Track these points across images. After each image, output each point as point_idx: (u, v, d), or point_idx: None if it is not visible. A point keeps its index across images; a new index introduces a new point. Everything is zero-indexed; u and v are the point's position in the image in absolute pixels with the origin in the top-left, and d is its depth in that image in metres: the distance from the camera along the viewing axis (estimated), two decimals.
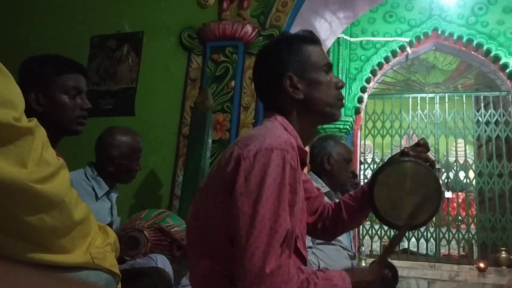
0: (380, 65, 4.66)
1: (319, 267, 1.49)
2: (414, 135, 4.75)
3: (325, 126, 4.31)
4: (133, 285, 1.15)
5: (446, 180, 4.81)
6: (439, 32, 4.56)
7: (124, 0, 2.60)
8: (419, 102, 4.74)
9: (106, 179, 1.58)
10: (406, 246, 4.37)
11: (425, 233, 4.39)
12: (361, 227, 4.54)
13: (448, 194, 4.93)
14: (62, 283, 0.19)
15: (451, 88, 5.45)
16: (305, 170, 1.83)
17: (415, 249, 4.36)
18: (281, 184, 0.71)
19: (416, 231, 4.38)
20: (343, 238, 1.69)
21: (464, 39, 4.44)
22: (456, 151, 4.59)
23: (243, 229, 0.69)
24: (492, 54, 4.33)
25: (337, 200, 1.08)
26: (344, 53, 4.58)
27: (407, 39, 4.59)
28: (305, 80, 0.87)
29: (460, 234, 4.36)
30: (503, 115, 4.43)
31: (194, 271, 0.81)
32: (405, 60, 4.86)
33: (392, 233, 4.44)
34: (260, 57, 0.94)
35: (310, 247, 1.52)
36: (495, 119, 4.46)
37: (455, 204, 4.68)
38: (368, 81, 4.64)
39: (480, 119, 4.54)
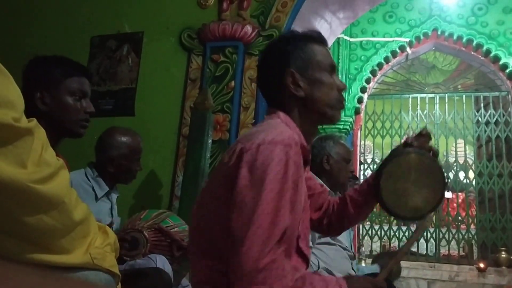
0: (380, 66, 4.67)
1: (318, 267, 1.50)
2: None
3: (325, 126, 4.32)
4: (132, 285, 1.15)
5: (446, 181, 4.80)
6: (439, 33, 4.56)
7: (124, 0, 2.60)
8: (419, 102, 4.75)
9: (106, 179, 1.57)
10: None
11: (425, 233, 4.38)
12: (361, 227, 4.54)
13: (448, 195, 4.93)
14: (63, 283, 0.19)
15: (451, 88, 5.45)
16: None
17: (415, 249, 4.35)
18: (282, 179, 0.71)
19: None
20: (343, 238, 1.69)
21: (464, 39, 4.45)
22: (456, 151, 4.59)
23: (241, 222, 0.69)
24: (492, 54, 4.33)
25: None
26: (344, 54, 4.58)
27: (407, 39, 4.59)
28: (307, 78, 0.87)
29: (460, 234, 4.36)
30: (503, 115, 4.44)
31: (195, 271, 0.81)
32: (405, 61, 4.86)
33: (392, 232, 4.44)
34: (265, 52, 0.94)
35: (310, 247, 1.52)
36: (495, 119, 4.46)
37: (455, 204, 4.68)
38: (368, 81, 4.64)
39: (480, 119, 4.54)
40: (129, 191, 2.12)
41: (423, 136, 0.93)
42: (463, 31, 4.45)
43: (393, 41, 4.62)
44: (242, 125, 2.18)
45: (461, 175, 4.64)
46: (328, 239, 1.61)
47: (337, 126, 4.34)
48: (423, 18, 4.62)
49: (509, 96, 4.42)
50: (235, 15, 2.36)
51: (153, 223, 1.43)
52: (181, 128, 2.28)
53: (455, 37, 4.49)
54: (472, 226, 4.41)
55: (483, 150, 4.48)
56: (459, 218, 4.43)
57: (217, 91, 2.24)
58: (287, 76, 0.86)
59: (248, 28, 2.27)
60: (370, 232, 4.53)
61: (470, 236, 4.37)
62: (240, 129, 2.18)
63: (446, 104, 4.68)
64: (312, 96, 0.86)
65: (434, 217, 4.48)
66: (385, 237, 4.44)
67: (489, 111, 4.50)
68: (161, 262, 1.34)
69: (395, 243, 4.44)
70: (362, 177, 4.64)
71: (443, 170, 0.91)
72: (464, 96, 4.74)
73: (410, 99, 4.79)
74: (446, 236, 4.33)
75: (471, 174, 4.60)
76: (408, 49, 4.63)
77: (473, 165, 4.60)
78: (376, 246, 4.56)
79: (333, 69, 0.90)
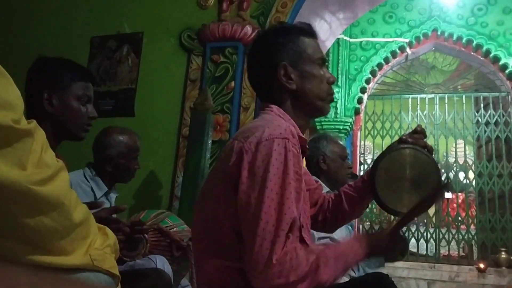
0: (379, 66, 4.67)
1: None
2: None
3: (324, 126, 4.32)
4: (132, 286, 1.15)
5: (446, 181, 4.81)
6: (439, 33, 4.56)
7: (124, 1, 2.60)
8: (418, 102, 4.75)
9: (105, 179, 1.58)
10: None
11: (425, 234, 4.39)
12: (360, 226, 4.55)
13: (448, 195, 4.93)
14: (63, 284, 0.19)
15: (451, 88, 5.45)
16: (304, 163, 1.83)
17: (414, 250, 4.35)
18: (284, 172, 0.72)
19: (416, 232, 4.39)
20: (343, 238, 1.69)
21: (464, 40, 4.45)
22: (455, 151, 4.59)
23: (250, 222, 0.71)
24: (491, 55, 4.33)
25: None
26: (344, 54, 4.58)
27: (407, 40, 4.59)
28: (299, 71, 0.88)
29: (460, 235, 4.36)
30: (503, 116, 4.44)
31: (202, 271, 0.81)
32: (405, 61, 4.86)
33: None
34: (256, 44, 0.95)
35: None
36: (494, 119, 4.46)
37: (455, 205, 4.68)
38: (367, 81, 4.64)
39: (479, 119, 4.54)
40: (128, 191, 2.12)
41: (418, 133, 0.94)
42: (463, 31, 4.45)
43: (393, 41, 4.62)
44: (242, 126, 2.18)
45: (461, 175, 4.65)
46: (328, 240, 1.61)
47: (337, 126, 4.35)
48: (423, 18, 4.62)
49: (509, 96, 4.42)
50: (235, 15, 2.36)
51: (152, 223, 1.43)
52: (181, 128, 2.28)
53: (455, 38, 4.50)
54: (472, 227, 4.41)
55: (483, 151, 4.48)
56: (459, 218, 4.43)
57: (217, 92, 2.24)
58: (280, 69, 0.87)
59: (248, 29, 2.27)
60: (369, 232, 4.53)
61: (470, 236, 4.37)
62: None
63: (446, 105, 4.68)
64: (303, 88, 0.88)
65: (434, 218, 4.48)
66: None
67: (489, 112, 4.50)
68: (161, 262, 1.34)
69: None
70: None
71: (438, 165, 0.91)
72: (464, 96, 4.74)
73: (410, 99, 4.79)
74: (446, 236, 4.33)
75: (471, 175, 4.60)
76: (408, 49, 4.64)
77: (473, 165, 4.60)
78: None
79: (323, 62, 0.92)
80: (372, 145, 5.10)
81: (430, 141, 4.79)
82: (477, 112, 4.60)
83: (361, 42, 4.69)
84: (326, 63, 0.97)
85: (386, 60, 4.66)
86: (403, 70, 5.26)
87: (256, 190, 0.71)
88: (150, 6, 2.53)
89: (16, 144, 0.54)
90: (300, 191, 0.76)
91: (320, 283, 0.72)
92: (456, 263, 4.09)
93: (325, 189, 1.67)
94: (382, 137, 4.71)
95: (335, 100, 4.41)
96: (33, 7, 2.74)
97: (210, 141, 2.03)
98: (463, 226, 4.42)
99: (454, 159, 4.58)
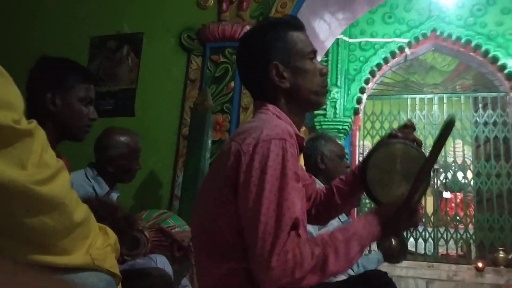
0: (379, 66, 4.68)
1: None
2: None
3: (323, 125, 4.33)
4: (132, 285, 1.16)
5: (444, 181, 4.83)
6: (438, 33, 4.57)
7: (124, 1, 2.60)
8: (417, 102, 4.76)
9: (106, 179, 1.58)
10: None
11: (423, 233, 4.40)
12: None
13: (446, 194, 4.94)
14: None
15: (450, 89, 5.46)
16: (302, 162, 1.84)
17: (413, 249, 4.37)
18: (282, 173, 0.72)
19: (414, 231, 4.40)
20: None
21: (463, 40, 4.46)
22: (454, 151, 4.61)
23: (250, 224, 0.71)
24: (490, 55, 4.34)
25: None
26: (343, 54, 4.59)
27: (406, 40, 4.60)
28: (291, 69, 0.87)
29: (458, 234, 4.37)
30: (501, 116, 4.45)
31: (206, 276, 0.80)
32: (404, 61, 4.87)
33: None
34: (244, 43, 0.93)
35: None
36: (493, 119, 4.47)
37: (453, 204, 4.70)
38: (367, 82, 4.65)
39: (478, 119, 4.56)
40: (129, 191, 2.12)
41: (408, 127, 0.95)
42: (462, 31, 4.46)
43: (392, 41, 4.63)
44: None
45: (460, 175, 4.66)
46: None
47: (336, 126, 4.36)
48: (422, 19, 4.63)
49: (508, 96, 4.44)
50: (235, 15, 2.37)
51: (154, 223, 1.44)
52: (181, 128, 2.28)
53: (454, 38, 4.51)
54: (470, 226, 4.42)
55: (481, 151, 4.49)
56: (458, 218, 4.44)
57: (216, 92, 2.24)
58: (271, 68, 0.86)
59: (248, 29, 2.28)
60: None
61: (468, 235, 4.39)
62: None
63: (445, 105, 4.69)
64: (297, 85, 0.87)
65: (432, 217, 4.50)
66: None
67: (488, 112, 4.51)
68: (162, 262, 1.35)
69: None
70: None
71: (428, 158, 0.91)
72: (462, 96, 4.75)
73: (408, 99, 4.80)
74: (445, 235, 4.34)
75: (469, 174, 4.62)
76: (407, 49, 4.65)
77: (471, 165, 4.61)
78: (375, 246, 4.57)
79: (314, 54, 0.91)
80: (371, 145, 5.10)
81: (428, 141, 4.81)
82: (476, 112, 4.61)
83: (360, 42, 4.69)
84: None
85: (385, 60, 4.67)
86: (402, 70, 5.27)
87: (255, 192, 0.71)
88: (150, 6, 2.54)
89: (17, 144, 0.54)
90: (300, 191, 0.76)
91: (333, 272, 0.72)
92: (455, 262, 4.11)
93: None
94: (381, 137, 4.71)
95: (334, 100, 4.42)
96: (33, 7, 2.74)
97: (210, 141, 2.04)
98: (461, 226, 4.43)
99: (452, 159, 4.60)
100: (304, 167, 1.83)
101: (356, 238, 0.75)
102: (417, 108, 4.73)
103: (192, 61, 2.36)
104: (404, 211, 0.82)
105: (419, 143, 0.93)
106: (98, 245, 0.70)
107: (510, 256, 3.89)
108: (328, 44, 2.91)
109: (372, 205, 4.27)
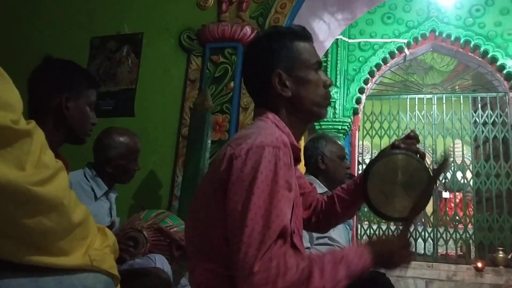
0: (378, 66, 4.68)
1: None
2: None
3: (323, 126, 4.34)
4: (132, 285, 1.16)
5: (443, 181, 4.83)
6: (437, 34, 4.58)
7: (124, 1, 2.60)
8: (416, 103, 4.77)
9: (105, 179, 1.58)
10: None
11: (423, 233, 4.41)
12: (359, 226, 4.56)
13: (445, 194, 4.95)
14: None
15: (449, 89, 5.48)
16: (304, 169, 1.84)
17: (413, 249, 4.37)
18: (273, 180, 0.71)
19: (414, 231, 4.40)
20: (341, 239, 1.70)
21: (462, 41, 4.47)
22: (453, 151, 4.62)
23: (236, 228, 0.69)
24: (489, 56, 4.35)
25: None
26: (342, 54, 4.60)
27: (405, 41, 4.61)
28: (294, 78, 0.87)
29: (458, 234, 4.38)
30: (500, 116, 4.46)
31: (194, 274, 0.81)
32: (403, 61, 4.88)
33: (390, 232, 4.45)
34: (250, 50, 0.93)
35: (308, 248, 1.53)
36: (492, 120, 4.48)
37: (452, 204, 4.70)
38: (366, 82, 4.66)
39: (477, 120, 4.56)
40: (128, 191, 2.13)
41: (411, 138, 0.94)
42: (461, 32, 4.47)
43: (391, 42, 4.63)
44: (241, 126, 2.19)
45: (459, 175, 4.67)
46: (326, 239, 1.62)
47: (335, 126, 4.36)
48: (421, 19, 4.64)
49: (506, 96, 4.45)
50: (234, 16, 2.37)
51: (152, 223, 1.44)
52: (181, 128, 2.29)
53: (452, 38, 4.52)
54: (470, 226, 4.43)
55: (480, 151, 4.50)
56: (457, 218, 4.45)
57: (216, 92, 2.25)
58: (274, 77, 0.86)
59: (247, 29, 2.28)
60: (368, 232, 4.55)
61: (468, 235, 4.39)
62: (239, 130, 2.19)
63: (444, 105, 4.70)
64: (299, 95, 0.87)
65: (432, 217, 4.50)
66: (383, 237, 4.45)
67: (487, 112, 4.52)
68: (160, 261, 1.35)
69: None
70: None
71: (430, 171, 0.91)
72: (461, 96, 4.76)
73: (408, 99, 4.81)
74: (444, 235, 4.35)
75: (469, 174, 4.63)
76: (406, 50, 4.65)
77: (471, 165, 4.62)
78: None
79: (319, 65, 0.90)
80: (370, 145, 5.11)
81: (428, 141, 4.82)
82: (475, 112, 4.62)
83: (359, 42, 4.70)
84: (324, 64, 0.97)
85: (384, 61, 4.68)
86: (401, 70, 5.28)
87: (244, 196, 0.70)
88: (150, 6, 2.54)
89: (15, 144, 0.54)
90: (290, 201, 0.74)
91: None
92: (454, 262, 4.11)
93: (323, 189, 1.69)
94: (380, 137, 4.73)
95: (333, 100, 4.42)
96: (33, 8, 2.74)
97: (209, 141, 2.04)
98: (460, 226, 4.44)
99: (452, 159, 4.60)
100: (304, 168, 1.84)
101: (345, 262, 0.73)
102: (416, 108, 4.74)
103: (191, 61, 2.37)
104: (398, 248, 0.82)
105: (422, 155, 0.92)
106: (97, 246, 0.69)
107: (509, 256, 3.90)
108: (328, 44, 2.92)
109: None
